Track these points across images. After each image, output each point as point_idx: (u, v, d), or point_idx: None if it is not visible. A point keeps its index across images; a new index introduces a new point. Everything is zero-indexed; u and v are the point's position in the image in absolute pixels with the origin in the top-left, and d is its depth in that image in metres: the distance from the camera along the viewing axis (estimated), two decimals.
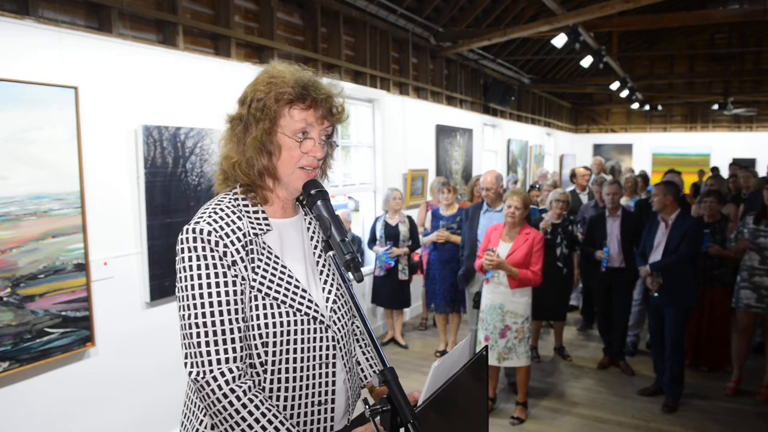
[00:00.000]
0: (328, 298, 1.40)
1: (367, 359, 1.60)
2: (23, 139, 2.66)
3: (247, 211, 1.33)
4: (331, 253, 1.34)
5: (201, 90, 3.72)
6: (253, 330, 1.27)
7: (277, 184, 1.36)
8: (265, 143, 1.29)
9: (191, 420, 1.34)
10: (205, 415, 1.30)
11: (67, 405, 2.95)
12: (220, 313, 1.22)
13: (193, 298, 1.22)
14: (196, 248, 1.23)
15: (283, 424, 1.21)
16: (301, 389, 1.33)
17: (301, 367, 1.32)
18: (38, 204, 2.73)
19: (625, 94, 11.27)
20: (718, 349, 4.89)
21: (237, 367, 1.22)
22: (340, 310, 1.41)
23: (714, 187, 5.52)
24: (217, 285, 1.23)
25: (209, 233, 1.24)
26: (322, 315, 1.35)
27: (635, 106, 13.25)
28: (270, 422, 1.19)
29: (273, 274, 1.31)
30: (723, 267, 4.72)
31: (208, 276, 1.23)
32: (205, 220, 1.26)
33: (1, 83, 2.56)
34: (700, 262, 4.73)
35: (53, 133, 2.78)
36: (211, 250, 1.23)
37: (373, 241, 5.43)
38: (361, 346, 1.60)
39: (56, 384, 2.90)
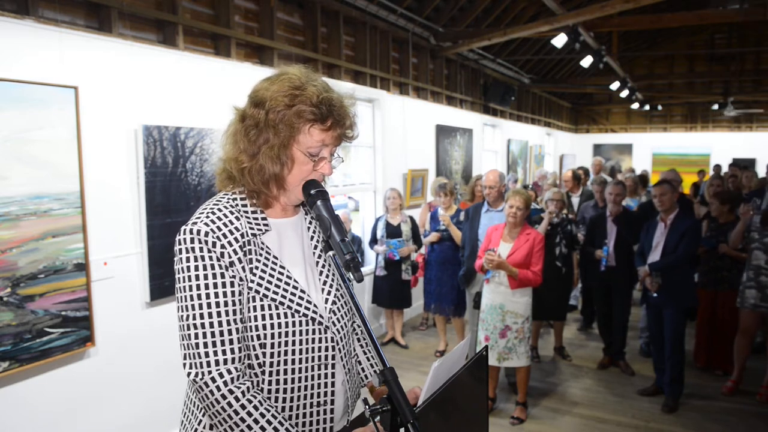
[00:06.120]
0: (327, 299, 1.39)
1: (368, 359, 1.59)
2: (23, 139, 2.66)
3: (246, 212, 1.33)
4: (331, 253, 1.34)
5: (201, 90, 3.72)
6: (251, 331, 1.27)
7: (281, 192, 1.36)
8: (280, 155, 1.29)
9: (190, 420, 1.34)
10: (204, 415, 1.30)
11: (67, 405, 2.95)
12: (219, 314, 1.22)
13: (191, 299, 1.23)
14: (193, 249, 1.23)
15: (282, 425, 1.21)
16: (300, 390, 1.32)
17: (300, 368, 1.32)
18: (38, 204, 2.73)
19: (625, 94, 11.27)
20: (731, 351, 4.71)
21: (236, 368, 1.22)
22: (339, 311, 1.41)
23: (719, 188, 5.50)
24: (215, 286, 1.23)
25: (207, 234, 1.24)
26: (321, 316, 1.35)
27: (635, 106, 13.25)
28: (269, 422, 1.20)
29: (271, 275, 1.30)
30: (734, 269, 4.63)
31: (206, 277, 1.23)
32: (202, 221, 1.26)
33: (1, 83, 2.56)
34: (711, 263, 4.70)
35: (53, 132, 2.78)
36: (209, 251, 1.23)
37: (374, 241, 5.43)
38: (362, 345, 1.60)
39: (56, 384, 2.90)
